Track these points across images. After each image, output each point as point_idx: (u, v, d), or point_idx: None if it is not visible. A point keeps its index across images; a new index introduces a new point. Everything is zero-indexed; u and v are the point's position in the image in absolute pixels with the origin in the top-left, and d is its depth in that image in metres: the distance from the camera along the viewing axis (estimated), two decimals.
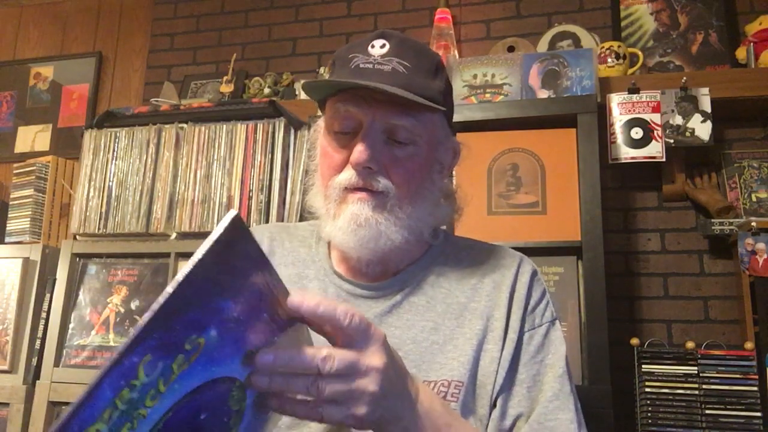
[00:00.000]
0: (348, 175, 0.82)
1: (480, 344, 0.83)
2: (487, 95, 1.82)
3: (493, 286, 0.88)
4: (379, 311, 0.85)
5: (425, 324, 0.84)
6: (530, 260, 0.94)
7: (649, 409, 1.59)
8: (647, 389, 1.60)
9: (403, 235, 0.83)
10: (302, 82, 0.83)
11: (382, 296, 0.87)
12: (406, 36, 0.86)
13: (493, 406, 0.82)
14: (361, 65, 0.82)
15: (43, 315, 1.90)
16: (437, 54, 0.87)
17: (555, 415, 0.80)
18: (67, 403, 1.77)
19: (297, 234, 0.97)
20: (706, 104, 1.78)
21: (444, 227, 0.97)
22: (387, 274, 0.89)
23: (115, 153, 1.92)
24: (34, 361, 1.87)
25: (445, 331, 0.84)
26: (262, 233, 0.97)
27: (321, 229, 0.88)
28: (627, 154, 1.79)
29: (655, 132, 1.78)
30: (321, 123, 0.90)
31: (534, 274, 0.92)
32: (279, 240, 0.96)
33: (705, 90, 1.79)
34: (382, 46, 0.83)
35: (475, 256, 0.92)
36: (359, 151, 0.80)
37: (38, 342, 1.88)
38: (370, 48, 0.83)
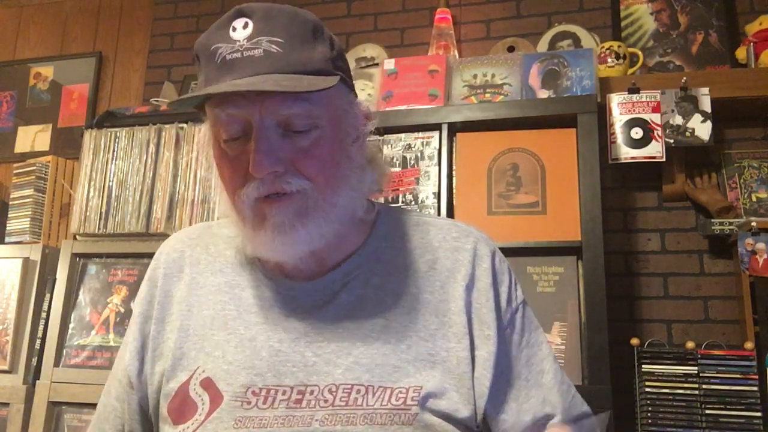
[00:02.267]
0: (254, 186, 0.72)
1: (439, 344, 0.77)
2: (487, 95, 1.82)
3: (447, 274, 0.81)
4: (324, 313, 0.78)
5: (376, 321, 0.77)
6: (486, 238, 0.86)
7: (649, 409, 1.59)
8: (647, 389, 1.60)
9: (335, 227, 0.75)
10: (167, 102, 0.71)
11: (324, 294, 0.79)
12: (270, 4, 0.74)
13: (490, 406, 0.78)
14: (228, 56, 0.71)
15: (43, 315, 1.90)
16: (310, 14, 0.76)
17: (575, 401, 0.85)
18: (67, 403, 1.78)
19: (221, 233, 0.88)
20: (706, 104, 1.78)
21: (380, 200, 0.90)
22: (326, 267, 0.80)
23: (115, 153, 1.92)
24: (34, 361, 1.87)
25: (397, 328, 0.77)
26: (182, 240, 0.90)
27: (243, 245, 0.80)
28: (627, 154, 1.79)
29: (655, 132, 1.78)
30: (205, 129, 0.79)
31: (493, 256, 0.84)
32: (202, 246, 0.87)
33: (705, 90, 1.79)
34: (245, 26, 0.71)
35: (422, 236, 0.84)
36: (256, 159, 0.69)
37: (38, 342, 1.88)
38: (231, 32, 0.72)
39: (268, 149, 0.70)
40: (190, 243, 0.89)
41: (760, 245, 1.68)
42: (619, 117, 1.81)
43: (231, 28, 0.72)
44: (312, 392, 0.73)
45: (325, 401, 0.73)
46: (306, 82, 0.69)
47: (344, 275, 0.80)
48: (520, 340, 0.82)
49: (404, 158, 1.77)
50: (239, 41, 0.71)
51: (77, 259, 1.90)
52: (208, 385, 0.76)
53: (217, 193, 0.85)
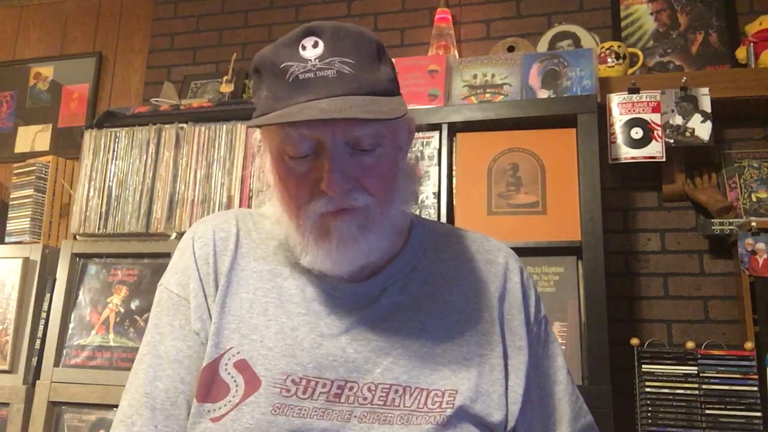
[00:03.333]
0: (323, 202, 0.74)
1: (473, 350, 0.80)
2: (487, 95, 1.82)
3: (481, 285, 0.85)
4: (365, 314, 0.80)
5: (412, 325, 0.80)
6: (515, 254, 0.91)
7: (649, 409, 1.59)
8: (647, 389, 1.60)
9: (389, 239, 0.80)
10: (246, 124, 0.73)
11: (365, 297, 0.81)
12: (336, 23, 0.76)
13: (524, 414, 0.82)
14: (300, 76, 0.72)
15: (43, 315, 1.90)
16: (373, 35, 0.78)
17: (581, 411, 0.89)
18: (67, 403, 1.78)
19: (263, 224, 0.87)
20: (706, 104, 1.78)
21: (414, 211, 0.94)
22: (366, 271, 0.82)
23: (115, 153, 1.92)
24: (34, 361, 1.87)
25: (433, 333, 0.80)
26: (228, 221, 0.87)
27: (299, 258, 0.79)
28: (627, 154, 1.79)
29: (655, 132, 1.78)
30: (264, 142, 0.82)
31: (522, 272, 0.89)
32: (245, 230, 0.87)
33: (705, 90, 1.79)
34: (315, 45, 0.73)
35: (456, 247, 0.88)
36: (331, 178, 0.72)
37: (38, 342, 1.88)
38: (302, 51, 0.73)
39: (341, 168, 0.72)
40: (236, 225, 0.87)
41: (760, 245, 1.68)
42: (619, 117, 1.81)
43: (300, 47, 0.73)
44: (351, 388, 0.75)
45: (364, 399, 0.75)
46: (382, 105, 0.72)
47: (384, 280, 0.82)
48: (542, 353, 0.87)
49: None
50: (311, 60, 0.72)
51: (77, 259, 1.90)
52: (243, 367, 0.76)
53: (266, 199, 0.85)
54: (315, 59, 0.72)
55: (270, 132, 0.78)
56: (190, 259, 0.84)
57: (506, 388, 0.80)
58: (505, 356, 0.82)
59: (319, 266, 0.78)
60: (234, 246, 0.84)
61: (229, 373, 0.76)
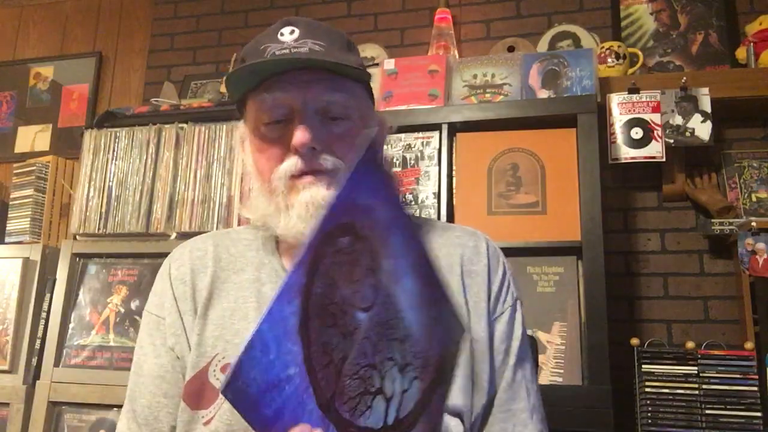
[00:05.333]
0: (292, 162, 0.79)
1: None
2: (487, 95, 1.82)
3: (448, 261, 0.85)
4: None
5: None
6: (489, 238, 0.91)
7: (649, 409, 1.59)
8: (647, 389, 1.60)
9: None
10: (229, 72, 0.79)
11: None
12: (310, 19, 0.86)
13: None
14: (277, 52, 0.79)
15: (43, 315, 1.90)
16: (344, 33, 0.88)
17: (508, 405, 0.82)
18: (67, 403, 1.77)
19: (240, 239, 0.91)
20: (706, 104, 1.78)
21: None
22: None
23: (115, 153, 1.92)
24: (34, 361, 1.87)
25: None
26: (204, 241, 0.91)
27: (273, 227, 0.82)
28: (627, 154, 1.79)
29: (655, 132, 1.78)
30: (243, 128, 0.88)
31: (491, 250, 0.88)
32: (223, 246, 0.90)
33: (705, 90, 1.79)
34: (292, 32, 0.81)
35: (429, 236, 0.89)
36: (300, 133, 0.77)
37: (38, 342, 1.88)
38: (280, 36, 0.81)
39: (310, 127, 0.78)
40: (213, 241, 0.91)
41: (760, 245, 1.68)
42: (619, 117, 1.81)
43: (279, 33, 0.81)
44: None
45: None
46: (347, 66, 0.79)
47: None
48: (498, 345, 0.84)
49: (404, 158, 1.77)
50: (287, 42, 0.80)
51: (77, 259, 1.90)
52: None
53: (247, 189, 0.89)
54: (291, 41, 0.80)
55: (249, 107, 0.84)
56: (167, 282, 0.88)
57: (473, 374, 0.80)
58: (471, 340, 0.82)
59: (293, 229, 0.79)
60: (212, 261, 0.87)
61: (217, 378, 0.79)
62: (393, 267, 0.57)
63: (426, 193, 1.73)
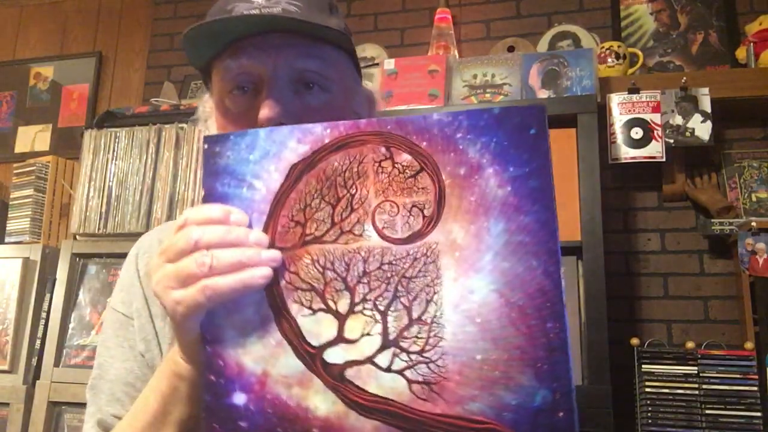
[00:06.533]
0: None
1: None
2: (487, 95, 1.82)
3: None
4: None
5: None
6: None
7: (649, 409, 1.59)
8: (647, 389, 1.60)
9: None
10: (188, 29, 0.67)
11: None
12: None
13: None
14: (246, 12, 0.67)
15: (43, 315, 1.90)
16: None
17: None
18: (67, 403, 1.78)
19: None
20: (706, 104, 1.78)
21: None
22: None
23: (115, 153, 1.92)
24: (34, 361, 1.87)
25: None
26: (151, 238, 0.84)
27: None
28: (627, 154, 1.79)
29: (655, 132, 1.78)
30: (209, 101, 0.77)
31: None
32: (157, 240, 0.83)
33: (705, 90, 1.79)
34: None
35: None
36: (267, 105, 0.66)
37: (38, 342, 1.88)
38: None
39: (280, 99, 0.67)
40: (159, 238, 0.84)
41: (760, 245, 1.68)
42: (619, 117, 1.81)
43: None
44: None
45: None
46: (324, 28, 0.68)
47: None
48: None
49: None
50: (257, 1, 0.68)
51: (77, 259, 1.90)
52: None
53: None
54: (262, 0, 0.69)
55: (214, 76, 0.73)
56: (134, 276, 0.81)
57: None
58: None
59: None
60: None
61: None
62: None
63: None
